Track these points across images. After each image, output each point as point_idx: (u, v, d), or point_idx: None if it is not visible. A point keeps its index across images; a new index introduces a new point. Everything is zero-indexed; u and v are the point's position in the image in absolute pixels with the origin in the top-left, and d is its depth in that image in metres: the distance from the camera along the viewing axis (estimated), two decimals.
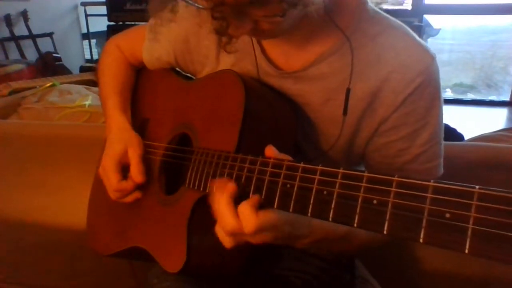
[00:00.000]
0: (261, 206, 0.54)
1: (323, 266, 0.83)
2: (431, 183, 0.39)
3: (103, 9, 3.80)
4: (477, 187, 0.36)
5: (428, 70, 0.66)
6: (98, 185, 0.94)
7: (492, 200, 0.35)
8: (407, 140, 0.68)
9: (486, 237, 0.35)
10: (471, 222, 0.36)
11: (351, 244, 0.71)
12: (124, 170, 0.80)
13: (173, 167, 0.78)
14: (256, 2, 0.53)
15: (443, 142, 0.71)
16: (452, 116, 1.69)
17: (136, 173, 0.78)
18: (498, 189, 0.35)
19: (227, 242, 0.57)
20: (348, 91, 0.67)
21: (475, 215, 0.36)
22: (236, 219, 0.53)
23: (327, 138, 0.72)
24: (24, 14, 4.08)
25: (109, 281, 1.19)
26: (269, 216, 0.53)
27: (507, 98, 4.39)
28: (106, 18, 3.73)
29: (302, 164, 0.51)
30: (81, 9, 4.62)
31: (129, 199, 0.80)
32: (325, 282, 0.82)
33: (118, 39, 0.94)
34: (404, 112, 0.66)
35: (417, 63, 0.65)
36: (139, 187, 0.80)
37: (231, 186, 0.55)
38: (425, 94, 0.66)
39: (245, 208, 0.53)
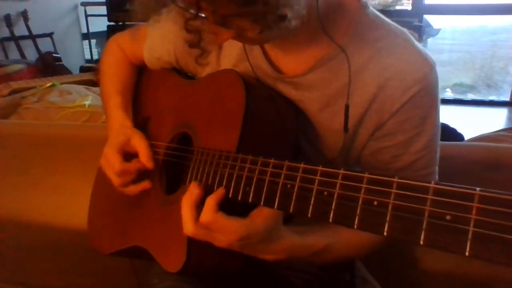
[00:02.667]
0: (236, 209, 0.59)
1: (322, 265, 0.83)
2: (432, 185, 0.39)
3: (103, 9, 3.80)
4: (478, 189, 0.36)
5: (426, 78, 0.65)
6: (100, 184, 0.94)
7: (493, 202, 0.35)
8: (401, 147, 0.68)
9: (487, 239, 0.35)
10: (471, 224, 0.36)
11: (328, 258, 0.70)
12: (127, 158, 0.79)
13: (173, 167, 0.78)
14: (235, 16, 0.54)
15: (438, 151, 0.71)
16: (452, 116, 1.69)
17: (147, 158, 0.77)
18: (499, 191, 0.35)
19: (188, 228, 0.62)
20: (347, 107, 0.66)
21: (475, 217, 0.36)
22: (194, 223, 0.60)
23: (328, 146, 0.72)
24: (24, 14, 4.08)
25: (110, 281, 1.19)
26: (227, 220, 0.58)
27: (507, 98, 4.39)
28: (106, 18, 3.73)
29: (302, 165, 0.51)
30: (81, 9, 4.62)
31: (136, 188, 0.79)
32: (325, 282, 0.82)
33: (120, 38, 0.94)
34: (399, 120, 0.66)
35: (415, 71, 0.65)
36: (143, 176, 0.79)
37: (195, 191, 0.62)
38: (422, 102, 0.66)
39: (211, 199, 0.59)
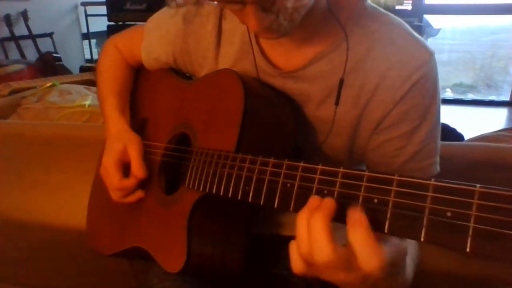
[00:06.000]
0: None
1: None
2: (432, 182, 0.39)
3: (103, 9, 3.80)
4: (478, 185, 0.37)
5: (426, 66, 0.65)
6: (98, 186, 0.94)
7: (493, 198, 0.35)
8: (404, 138, 0.68)
9: (487, 235, 0.35)
10: (472, 220, 0.36)
11: None
12: (125, 169, 0.80)
13: (172, 167, 0.78)
14: None
15: (439, 140, 0.71)
16: (452, 116, 1.68)
17: (137, 168, 0.78)
18: (499, 187, 0.35)
19: (299, 267, 0.48)
20: (341, 81, 0.67)
21: (476, 213, 0.36)
22: (335, 249, 0.43)
23: (321, 133, 0.72)
24: (24, 14, 4.08)
25: (109, 281, 1.19)
26: (390, 247, 0.44)
27: (507, 98, 4.38)
28: (106, 18, 3.73)
29: (302, 164, 0.51)
30: (81, 9, 4.62)
31: (131, 198, 0.80)
32: (325, 283, 0.82)
33: (117, 39, 0.94)
34: (402, 110, 0.66)
35: (414, 59, 0.65)
36: (141, 186, 0.79)
37: (330, 203, 0.45)
38: (424, 90, 0.66)
39: (363, 234, 0.42)
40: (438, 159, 0.71)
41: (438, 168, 0.71)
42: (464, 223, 0.36)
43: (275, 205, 0.53)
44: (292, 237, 0.87)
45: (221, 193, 0.61)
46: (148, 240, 0.76)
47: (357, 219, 0.43)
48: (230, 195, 0.60)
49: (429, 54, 0.66)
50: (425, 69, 0.65)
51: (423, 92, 0.66)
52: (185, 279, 0.72)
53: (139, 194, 0.80)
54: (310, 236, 0.45)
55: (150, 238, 0.75)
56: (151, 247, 0.74)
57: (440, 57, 5.77)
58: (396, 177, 0.42)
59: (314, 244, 0.44)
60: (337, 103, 0.68)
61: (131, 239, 0.80)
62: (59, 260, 1.22)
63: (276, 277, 0.82)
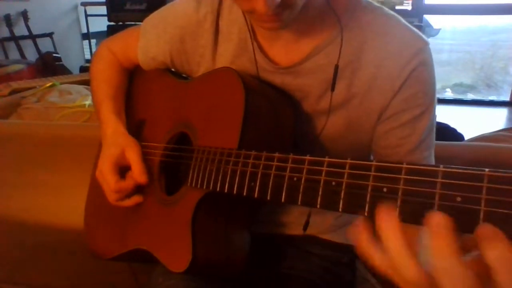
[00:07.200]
0: None
1: (325, 265, 0.83)
2: (441, 168, 0.39)
3: (103, 9, 3.81)
4: (486, 170, 0.37)
5: (422, 53, 0.66)
6: (95, 189, 0.93)
7: (502, 181, 0.35)
8: (408, 127, 0.68)
9: (499, 218, 0.35)
10: (482, 204, 0.36)
11: None
12: (121, 172, 0.79)
13: (172, 167, 0.78)
14: None
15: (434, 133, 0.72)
16: (452, 116, 1.69)
17: (139, 173, 0.77)
18: (508, 170, 0.35)
19: None
20: (336, 67, 0.67)
21: (486, 197, 0.36)
22: (418, 265, 0.37)
23: (319, 125, 0.73)
24: (24, 14, 4.09)
25: (109, 281, 1.19)
26: None
27: (507, 98, 4.39)
28: (106, 18, 3.73)
29: (308, 157, 0.51)
30: (81, 9, 4.63)
31: (128, 202, 0.79)
32: (327, 281, 0.83)
33: (109, 42, 0.94)
34: (403, 98, 0.67)
35: (410, 47, 0.66)
36: (138, 189, 0.79)
37: (446, 221, 0.36)
38: (422, 77, 0.67)
39: (504, 250, 0.33)
40: (433, 151, 0.72)
41: (433, 160, 0.72)
42: (475, 206, 0.36)
43: (282, 200, 0.53)
44: (292, 236, 0.88)
45: (226, 190, 0.61)
46: (150, 241, 0.76)
47: (492, 232, 0.34)
48: (235, 191, 0.59)
49: (424, 42, 0.67)
50: (422, 56, 0.66)
51: (423, 79, 0.67)
52: (190, 276, 0.72)
53: (137, 198, 0.79)
54: None
55: (153, 239, 0.75)
56: (154, 248, 0.74)
57: (440, 57, 5.77)
58: (404, 165, 0.42)
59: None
60: (332, 89, 0.68)
61: (132, 241, 0.80)
62: (59, 260, 1.22)
63: (280, 276, 0.82)
